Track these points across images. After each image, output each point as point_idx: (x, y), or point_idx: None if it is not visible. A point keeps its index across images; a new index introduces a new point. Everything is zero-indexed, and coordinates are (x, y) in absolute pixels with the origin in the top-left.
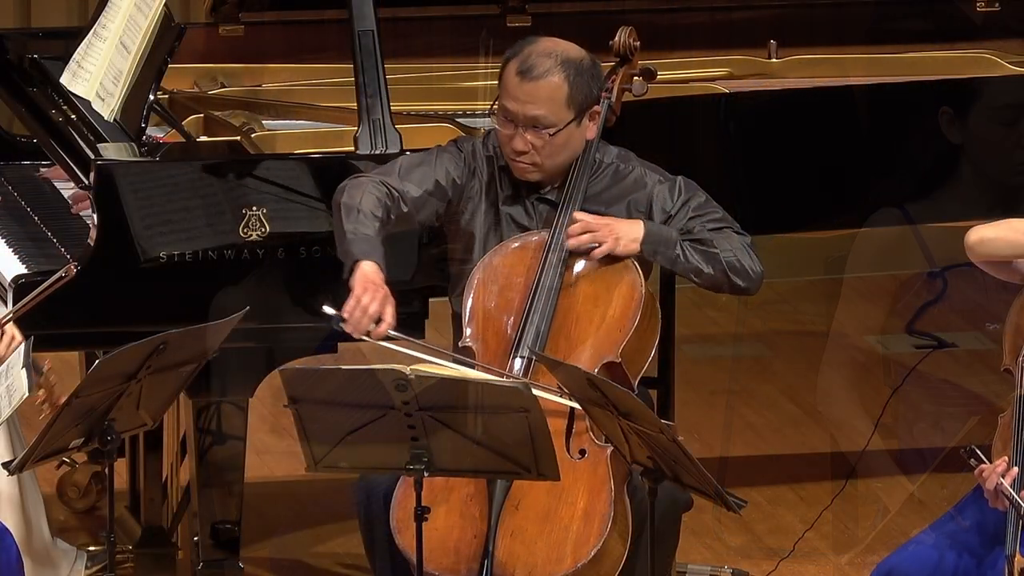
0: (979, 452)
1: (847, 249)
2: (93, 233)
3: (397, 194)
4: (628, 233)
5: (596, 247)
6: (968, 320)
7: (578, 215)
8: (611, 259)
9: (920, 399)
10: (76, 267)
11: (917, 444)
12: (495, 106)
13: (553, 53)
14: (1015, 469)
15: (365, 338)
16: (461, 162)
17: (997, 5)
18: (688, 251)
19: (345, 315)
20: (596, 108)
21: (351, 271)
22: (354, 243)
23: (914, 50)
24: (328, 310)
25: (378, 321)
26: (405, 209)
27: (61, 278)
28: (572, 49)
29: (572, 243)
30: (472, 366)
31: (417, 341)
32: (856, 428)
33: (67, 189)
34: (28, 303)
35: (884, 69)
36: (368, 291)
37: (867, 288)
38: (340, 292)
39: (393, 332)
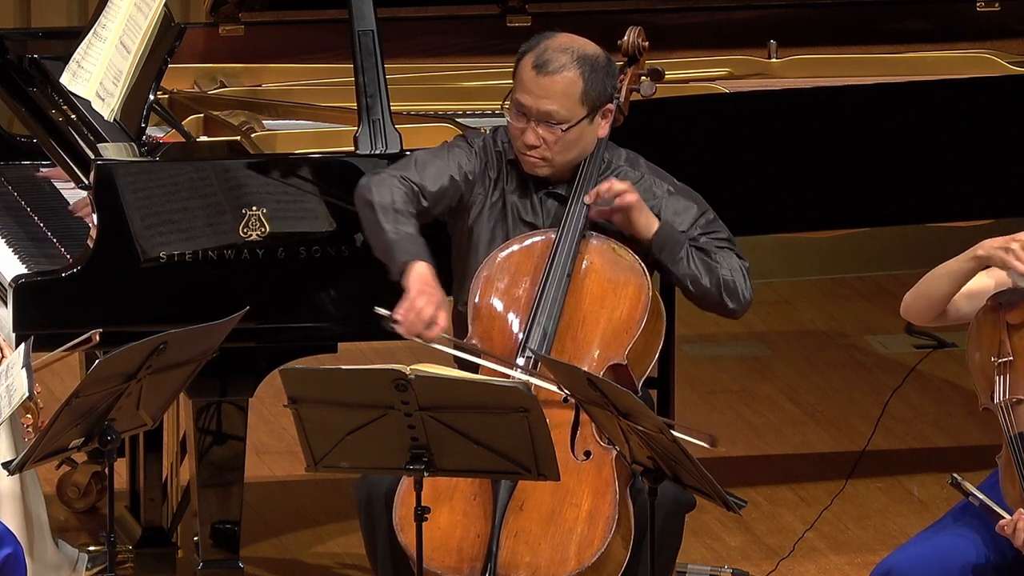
0: (965, 483)
1: (851, 248)
2: (93, 233)
3: (417, 189)
4: (644, 220)
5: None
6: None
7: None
8: (619, 260)
9: (920, 399)
10: (99, 334)
11: (917, 444)
12: (507, 101)
13: (570, 49)
14: None
15: (417, 339)
16: (473, 157)
17: (997, 5)
18: (692, 257)
19: (399, 317)
20: (609, 106)
21: (401, 271)
22: (399, 243)
23: (914, 50)
24: (380, 311)
25: (431, 324)
26: (425, 204)
27: (84, 342)
28: (589, 46)
29: (603, 188)
30: (510, 366)
31: (468, 345)
32: (856, 428)
33: (66, 189)
34: (48, 362)
35: (884, 69)
36: (424, 294)
37: (867, 288)
38: (339, 289)
39: (446, 336)
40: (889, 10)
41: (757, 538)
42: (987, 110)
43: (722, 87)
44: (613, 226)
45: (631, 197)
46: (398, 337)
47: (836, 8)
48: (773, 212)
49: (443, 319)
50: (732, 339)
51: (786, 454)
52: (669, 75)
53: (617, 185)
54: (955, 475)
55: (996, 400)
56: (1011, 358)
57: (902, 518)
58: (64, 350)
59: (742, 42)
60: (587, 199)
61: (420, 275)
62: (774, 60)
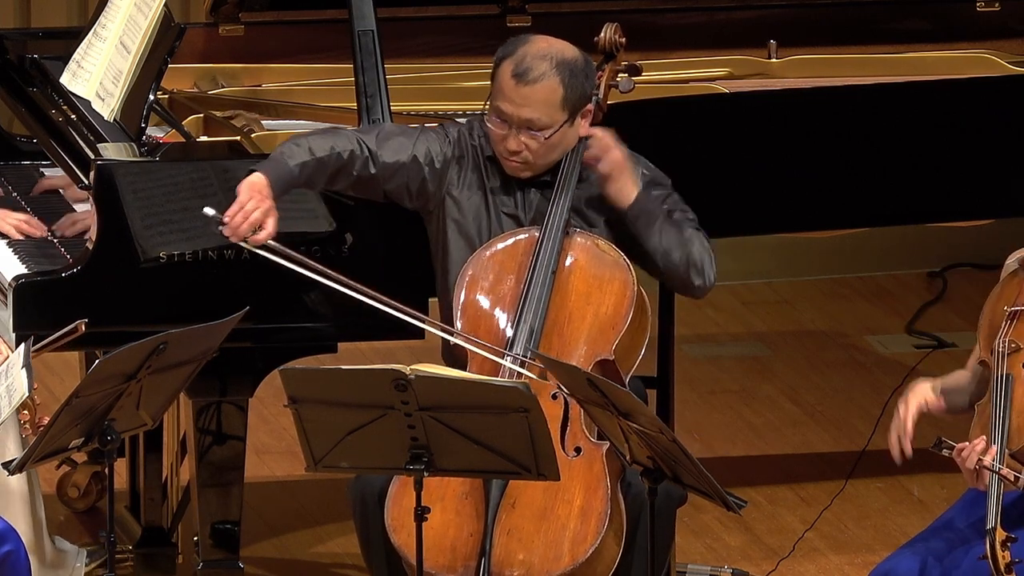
0: (950, 441)
1: (851, 248)
2: (93, 233)
3: (367, 153)
4: (628, 186)
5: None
6: (968, 320)
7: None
8: (603, 256)
9: None
10: (85, 324)
11: (917, 444)
12: (487, 105)
13: (548, 55)
14: (994, 448)
15: (243, 244)
16: (446, 145)
17: (997, 5)
18: (666, 230)
19: (226, 219)
20: (589, 107)
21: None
22: (268, 160)
23: (914, 50)
24: (208, 211)
25: (258, 230)
26: (373, 171)
27: (69, 333)
28: (567, 49)
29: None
30: (394, 307)
31: (295, 254)
32: (856, 428)
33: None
34: (28, 355)
35: (884, 69)
36: (253, 198)
37: (867, 288)
38: (338, 290)
39: (272, 243)
40: (889, 10)
41: (757, 538)
42: (987, 110)
43: (722, 87)
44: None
45: (617, 157)
46: (396, 337)
47: (836, 8)
48: (773, 212)
49: (271, 225)
50: (732, 339)
51: (786, 454)
52: (670, 75)
53: (606, 144)
54: (941, 437)
55: (996, 342)
56: (1023, 308)
57: (902, 518)
58: (50, 341)
59: (742, 42)
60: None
61: (253, 183)
62: (774, 60)
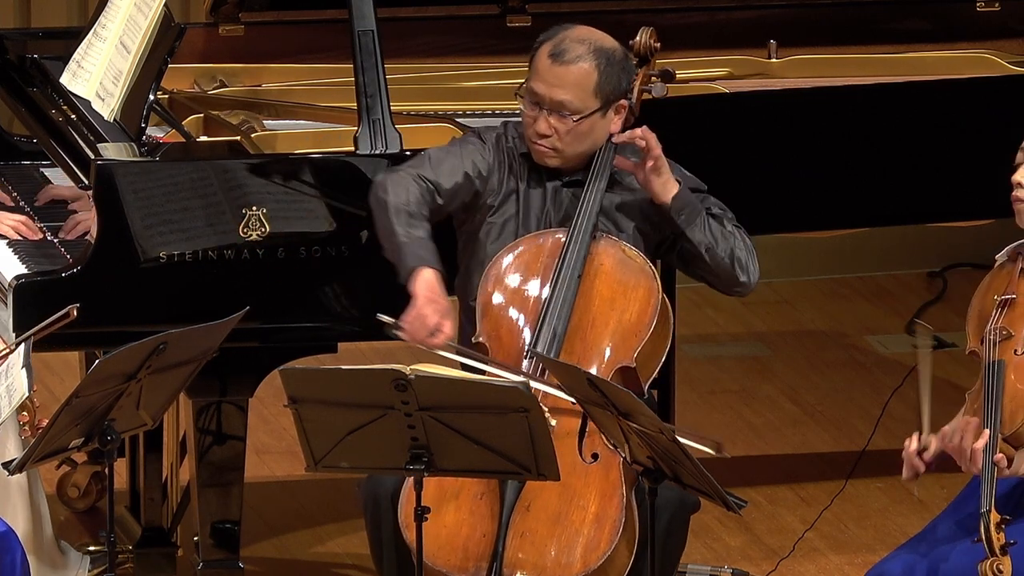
0: (924, 325)
1: (851, 248)
2: (93, 233)
3: (433, 187)
4: (670, 181)
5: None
6: None
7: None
8: (629, 262)
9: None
10: (76, 309)
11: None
12: (522, 89)
13: (587, 40)
14: (987, 432)
15: (421, 346)
16: (487, 153)
17: (997, 5)
18: (709, 224)
19: (404, 325)
20: (623, 102)
21: (408, 276)
22: (409, 247)
23: (914, 50)
24: (384, 319)
25: (435, 332)
26: (440, 202)
27: (62, 318)
28: (607, 39)
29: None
30: (519, 374)
31: (473, 352)
32: (856, 428)
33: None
34: (24, 340)
35: (884, 69)
36: (431, 302)
37: (867, 288)
38: (339, 289)
39: (451, 343)
40: (889, 10)
41: (757, 538)
42: (987, 110)
43: (722, 87)
44: (635, 187)
45: (657, 152)
46: (398, 338)
47: (836, 8)
48: (773, 212)
49: (448, 328)
50: (732, 339)
51: (786, 454)
52: None
53: (651, 135)
54: (916, 319)
55: (987, 330)
56: (1014, 296)
57: (902, 518)
58: (43, 327)
59: (742, 42)
60: (617, 139)
61: (427, 282)
62: (774, 60)
